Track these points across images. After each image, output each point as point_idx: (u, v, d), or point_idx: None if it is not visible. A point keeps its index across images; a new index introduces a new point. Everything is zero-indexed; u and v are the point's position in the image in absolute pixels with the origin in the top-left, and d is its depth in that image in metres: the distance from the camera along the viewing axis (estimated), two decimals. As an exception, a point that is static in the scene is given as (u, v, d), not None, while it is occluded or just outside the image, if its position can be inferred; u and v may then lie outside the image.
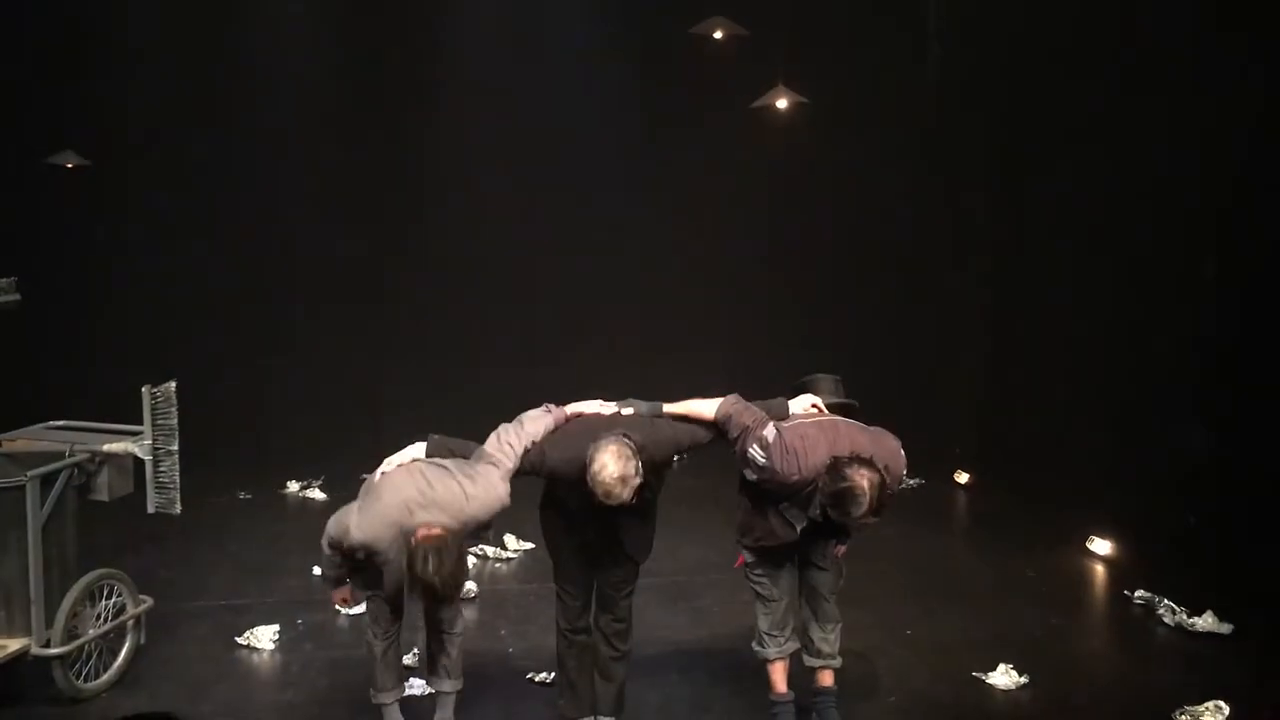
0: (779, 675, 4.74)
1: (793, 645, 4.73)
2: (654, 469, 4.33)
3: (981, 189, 9.24)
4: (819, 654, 4.73)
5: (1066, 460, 7.97)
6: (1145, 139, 7.26)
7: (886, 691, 5.25)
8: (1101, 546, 7.09)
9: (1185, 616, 5.95)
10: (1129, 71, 7.45)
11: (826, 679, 4.76)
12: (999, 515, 8.05)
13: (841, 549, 4.81)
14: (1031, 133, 8.54)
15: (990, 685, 5.27)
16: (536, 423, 4.37)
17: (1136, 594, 6.32)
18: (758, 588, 4.66)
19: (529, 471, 4.33)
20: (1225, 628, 5.85)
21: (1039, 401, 8.51)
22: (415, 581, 3.99)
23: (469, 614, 5.34)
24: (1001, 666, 5.35)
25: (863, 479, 4.11)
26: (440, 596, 4.09)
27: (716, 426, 4.45)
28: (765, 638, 4.69)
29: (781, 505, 4.40)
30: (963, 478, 8.90)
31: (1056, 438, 8.18)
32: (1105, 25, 7.66)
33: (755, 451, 4.33)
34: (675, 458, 4.71)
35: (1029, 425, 8.59)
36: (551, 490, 4.55)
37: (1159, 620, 6.03)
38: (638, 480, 4.10)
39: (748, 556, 4.65)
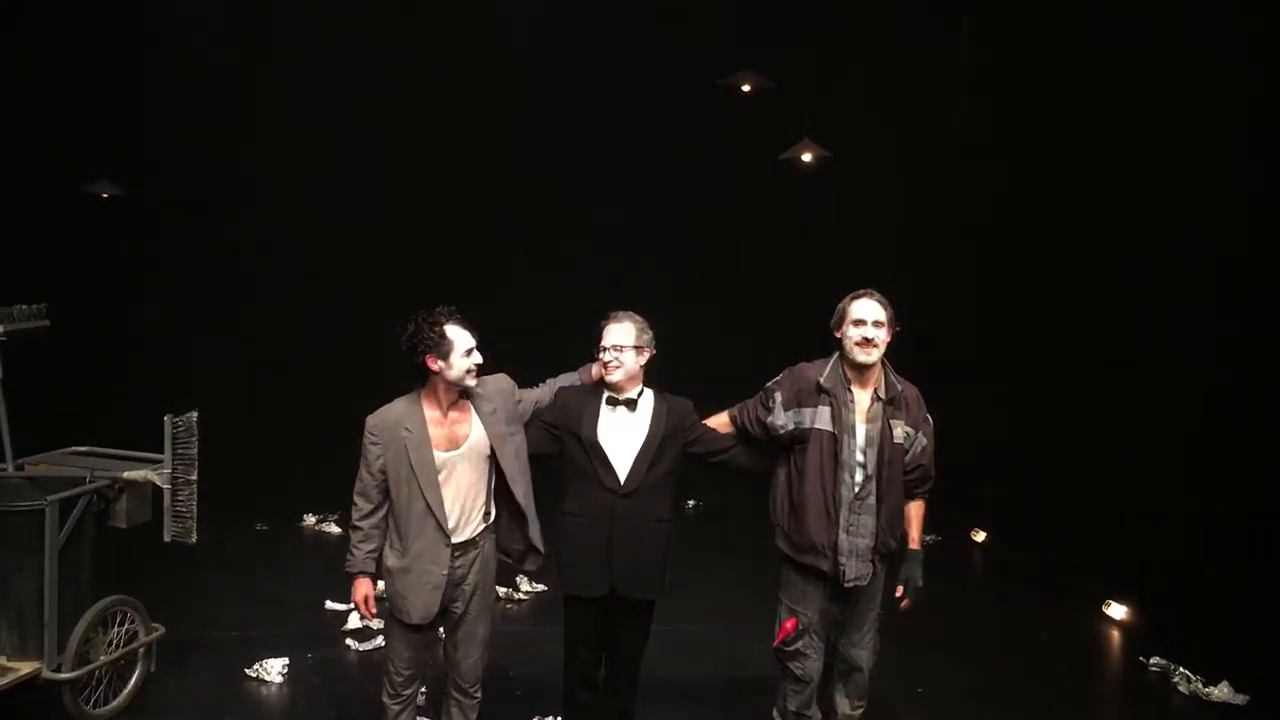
0: None
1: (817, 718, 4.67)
2: (670, 440, 4.46)
3: (1005, 243, 9.26)
4: None
5: (1084, 522, 7.92)
6: (1180, 199, 7.27)
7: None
8: (1118, 611, 7.03)
9: (1200, 685, 5.89)
10: (1155, 127, 7.48)
11: None
12: (1015, 575, 8.00)
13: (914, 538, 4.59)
14: (1059, 187, 8.55)
15: (1000, 747, 5.23)
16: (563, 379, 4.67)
17: (1152, 660, 6.26)
18: (793, 667, 4.51)
19: (549, 420, 4.51)
20: (1240, 699, 5.79)
21: (1058, 462, 8.47)
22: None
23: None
24: (1012, 729, 5.30)
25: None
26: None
27: (733, 425, 4.58)
28: (792, 714, 4.58)
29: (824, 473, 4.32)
30: (979, 536, 8.84)
31: (1075, 499, 8.14)
32: (1133, 79, 7.71)
33: (771, 400, 4.44)
34: (686, 501, 4.70)
35: (1047, 486, 8.54)
36: (568, 498, 4.52)
37: (1173, 688, 5.98)
38: (646, 346, 4.42)
39: (797, 618, 4.48)
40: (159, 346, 9.66)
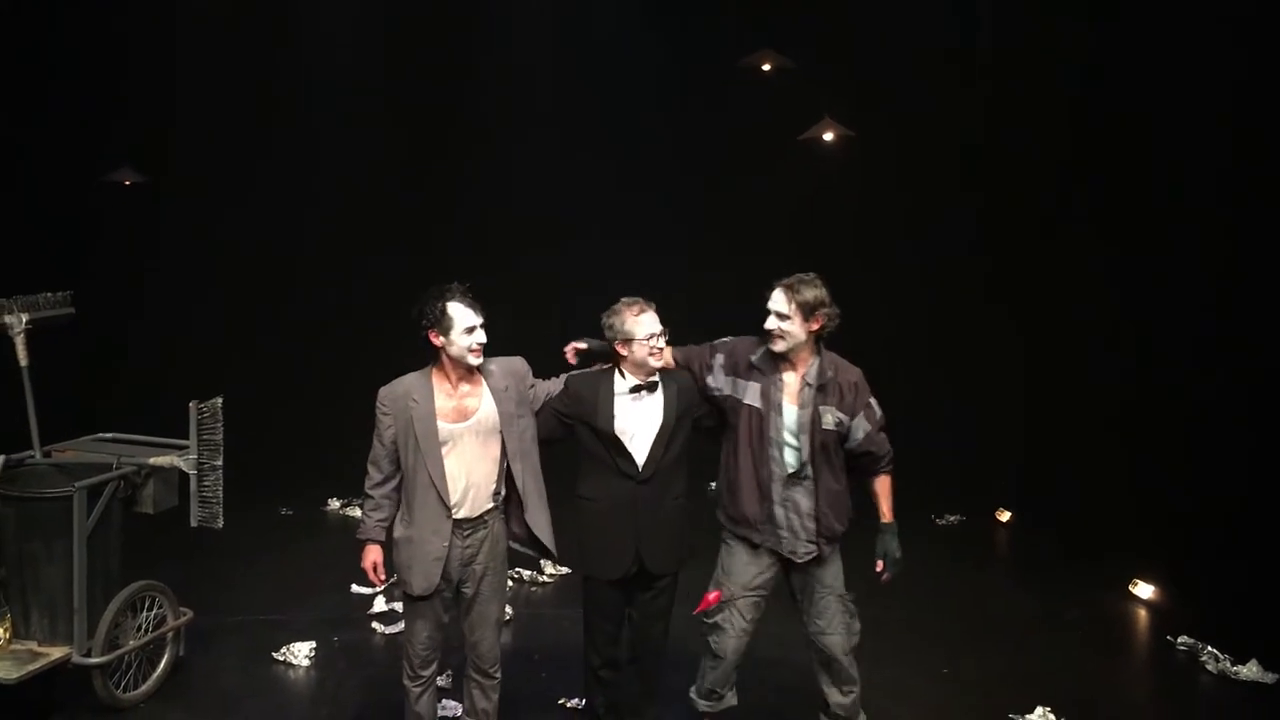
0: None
1: (730, 701, 4.69)
2: (683, 418, 4.54)
3: (1028, 223, 9.19)
4: (837, 718, 4.62)
5: (1111, 501, 7.87)
6: (1205, 172, 7.20)
7: (921, 730, 5.20)
8: (1145, 590, 6.99)
9: (1229, 665, 5.85)
10: (1180, 100, 7.40)
11: None
12: (1040, 555, 7.96)
13: (881, 570, 4.59)
14: (1080, 166, 8.48)
15: (1027, 728, 5.20)
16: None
17: (1179, 640, 6.22)
18: (711, 640, 4.58)
19: (560, 409, 4.56)
20: (1270, 677, 5.75)
21: (1083, 440, 8.42)
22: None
23: (504, 638, 5.33)
24: (1039, 710, 5.27)
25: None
26: None
27: (676, 366, 4.64)
28: (704, 692, 4.66)
29: (765, 442, 4.40)
30: (1004, 516, 8.81)
31: (1101, 477, 8.09)
32: (1158, 51, 7.63)
33: (713, 360, 4.54)
34: (709, 483, 4.75)
35: (1073, 464, 8.50)
36: (583, 482, 4.57)
37: (1202, 668, 5.94)
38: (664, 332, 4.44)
39: (721, 590, 4.55)
40: (182, 333, 9.70)
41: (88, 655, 4.95)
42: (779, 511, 4.43)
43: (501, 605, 4.52)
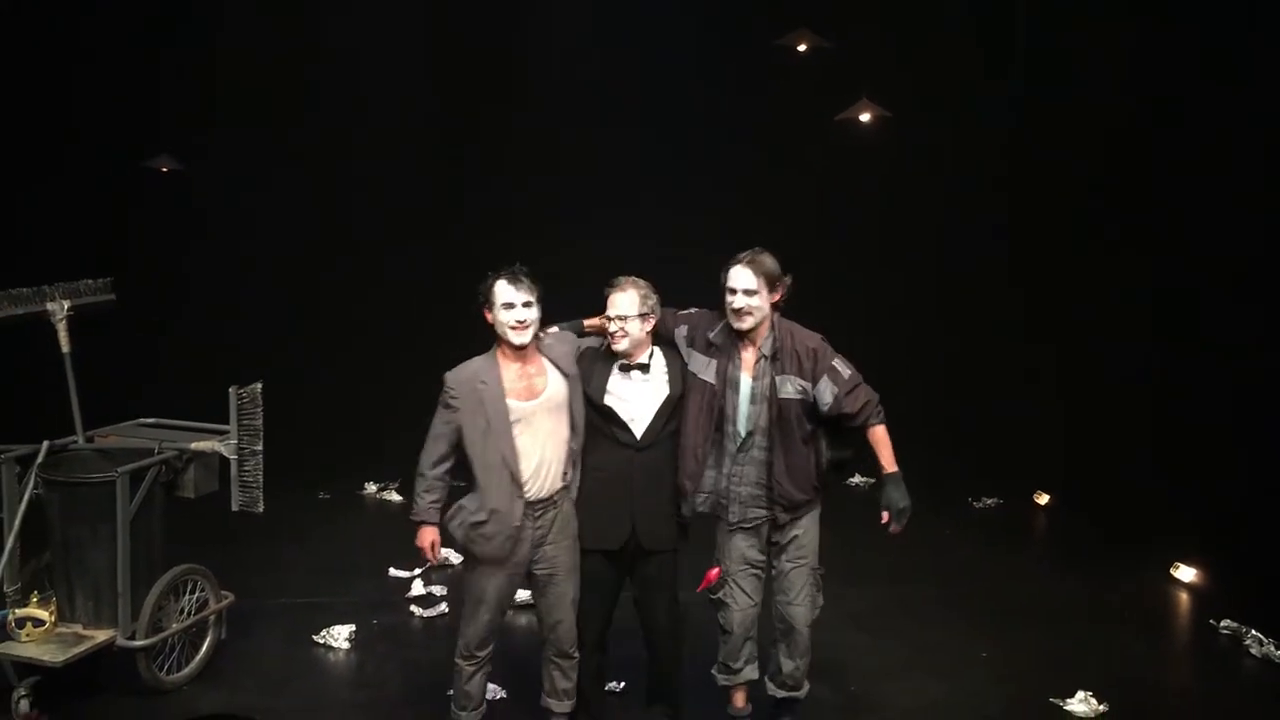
0: (739, 693, 4.80)
1: (749, 674, 4.73)
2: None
3: (1067, 201, 9.08)
4: (784, 685, 4.72)
5: (1151, 482, 7.77)
6: (1243, 161, 7.08)
7: (960, 716, 5.15)
8: (1187, 573, 6.92)
9: (1274, 648, 5.79)
10: (1218, 91, 7.28)
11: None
12: (1080, 537, 7.89)
13: (888, 520, 4.53)
14: (1120, 152, 8.37)
15: (1068, 712, 5.16)
16: None
17: (1223, 623, 6.16)
18: (718, 616, 4.66)
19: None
20: (1316, 661, 5.68)
21: (1123, 420, 8.33)
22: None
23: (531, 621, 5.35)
24: (1080, 694, 5.23)
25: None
26: None
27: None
28: (720, 665, 4.74)
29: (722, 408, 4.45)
30: (1043, 498, 8.74)
31: (1140, 458, 7.99)
32: (1193, 35, 7.51)
33: (678, 330, 4.58)
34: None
35: (1112, 445, 8.41)
36: (588, 453, 4.56)
37: (1245, 651, 5.88)
38: (651, 313, 4.47)
39: (721, 567, 4.61)
40: (221, 319, 9.76)
41: (132, 638, 5.00)
42: (723, 483, 4.51)
43: (576, 585, 4.55)
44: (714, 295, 4.56)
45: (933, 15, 9.63)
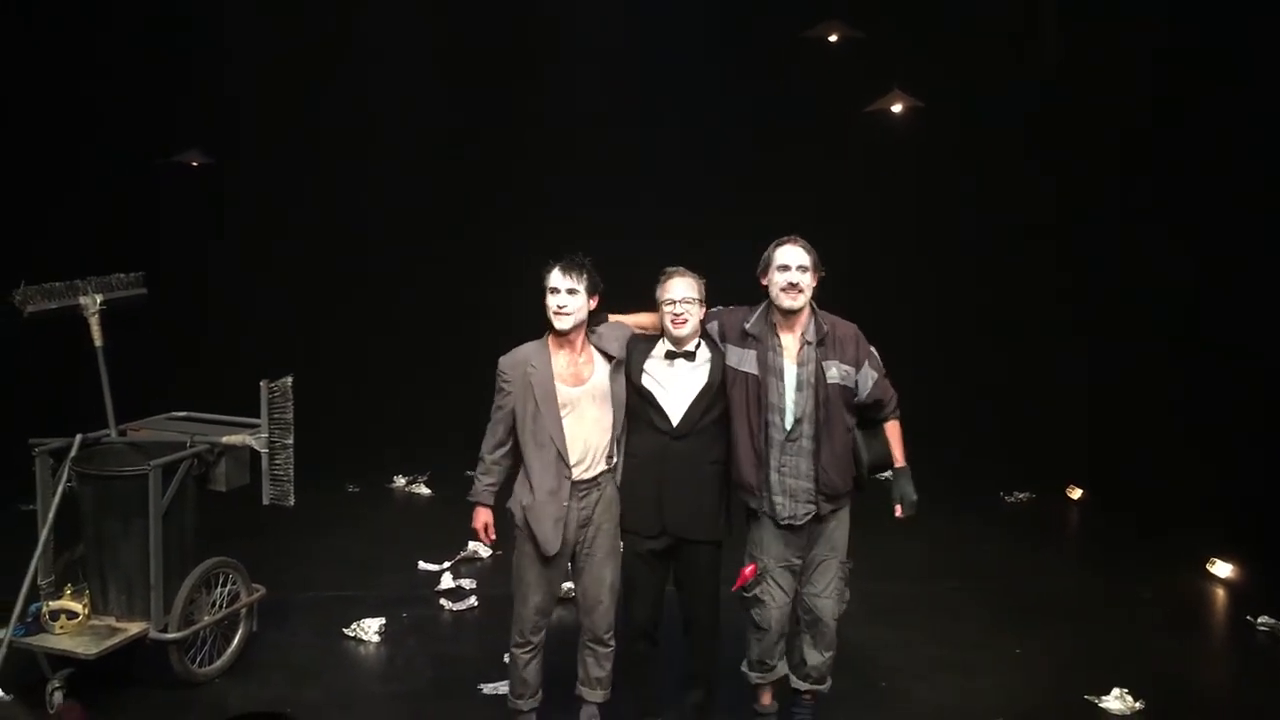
0: (767, 691, 4.78)
1: (781, 671, 4.71)
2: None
3: (1099, 195, 8.99)
4: (808, 677, 4.69)
5: (1187, 476, 7.69)
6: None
7: (993, 712, 5.09)
8: (1223, 569, 6.83)
9: (1313, 646, 5.71)
10: (1254, 75, 7.18)
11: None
12: (1114, 532, 7.80)
13: (900, 510, 4.61)
14: (1150, 141, 8.27)
15: (1103, 710, 5.10)
16: None
17: (1260, 620, 6.08)
18: (754, 614, 4.62)
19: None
20: (1356, 659, 5.59)
21: (1157, 414, 8.24)
22: None
23: (567, 614, 5.35)
24: (1115, 691, 5.17)
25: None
26: None
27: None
28: (754, 664, 4.71)
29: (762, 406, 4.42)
30: (1075, 493, 8.65)
31: (1175, 452, 7.90)
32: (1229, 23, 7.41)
33: (709, 326, 4.56)
34: None
35: (1146, 439, 8.32)
36: (628, 436, 4.58)
37: (1284, 648, 5.81)
38: (703, 301, 4.51)
39: (756, 564, 4.57)
40: (252, 313, 9.82)
41: (164, 631, 5.03)
42: (774, 477, 4.46)
43: (615, 569, 4.57)
44: (744, 289, 4.53)
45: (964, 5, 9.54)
